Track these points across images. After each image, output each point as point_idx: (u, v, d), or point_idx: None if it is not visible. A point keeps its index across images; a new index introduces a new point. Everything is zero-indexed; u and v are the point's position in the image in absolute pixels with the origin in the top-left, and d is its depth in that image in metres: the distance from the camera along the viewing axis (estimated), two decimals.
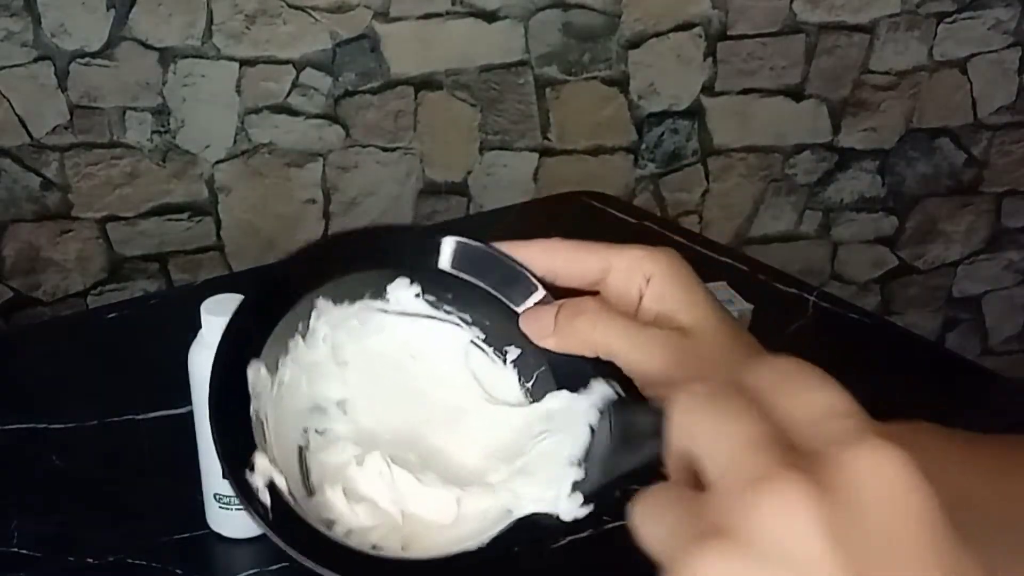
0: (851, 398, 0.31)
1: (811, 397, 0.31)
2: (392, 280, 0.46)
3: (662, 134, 1.94)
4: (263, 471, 0.39)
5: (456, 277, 0.46)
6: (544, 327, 0.44)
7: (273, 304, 0.44)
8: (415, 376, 0.47)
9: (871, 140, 2.02)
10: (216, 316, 0.75)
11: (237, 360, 0.42)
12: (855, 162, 2.03)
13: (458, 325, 0.47)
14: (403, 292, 0.47)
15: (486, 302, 0.46)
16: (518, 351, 0.46)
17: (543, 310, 0.45)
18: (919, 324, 2.16)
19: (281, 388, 0.44)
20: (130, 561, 0.80)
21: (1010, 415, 0.95)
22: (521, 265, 0.46)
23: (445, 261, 0.46)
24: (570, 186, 1.59)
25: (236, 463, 0.39)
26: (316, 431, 0.45)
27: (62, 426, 0.94)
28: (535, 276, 0.46)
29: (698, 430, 0.31)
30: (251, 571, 0.80)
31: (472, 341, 0.47)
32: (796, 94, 1.96)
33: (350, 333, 0.46)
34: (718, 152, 1.98)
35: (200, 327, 0.76)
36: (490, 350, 0.47)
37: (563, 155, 1.92)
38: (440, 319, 0.47)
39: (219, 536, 0.82)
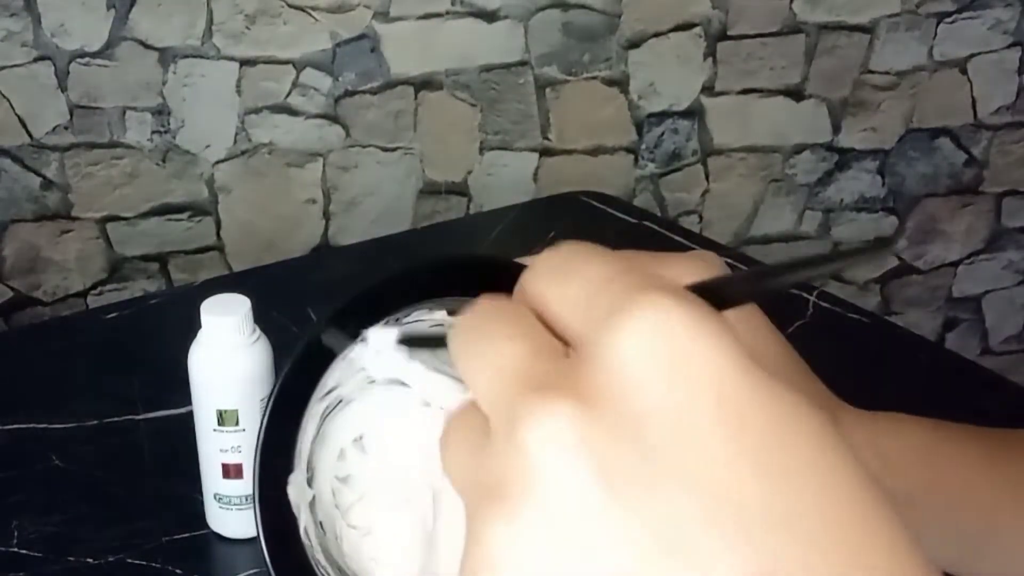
0: (628, 258, 0.26)
1: (583, 275, 0.25)
2: (410, 313, 0.42)
3: (662, 134, 1.94)
4: None
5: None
6: None
7: (299, 397, 0.40)
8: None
9: (871, 140, 2.02)
10: (216, 316, 0.75)
11: (277, 480, 0.38)
12: (855, 162, 2.03)
13: None
14: (420, 314, 0.42)
15: None
16: None
17: None
18: (919, 324, 2.16)
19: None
20: (130, 561, 0.80)
21: (1010, 415, 0.95)
22: None
23: (473, 286, 0.41)
24: (570, 186, 1.58)
25: None
26: (337, 478, 0.41)
27: (62, 426, 0.94)
28: None
29: (463, 364, 0.26)
30: (251, 571, 0.80)
31: None
32: (796, 94, 1.96)
33: (355, 361, 0.41)
34: (718, 152, 1.98)
35: (200, 327, 0.76)
36: None
37: (563, 155, 1.92)
38: None
39: (219, 536, 0.82)
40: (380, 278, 0.40)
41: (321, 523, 0.39)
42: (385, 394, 0.42)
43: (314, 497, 0.40)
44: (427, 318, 0.41)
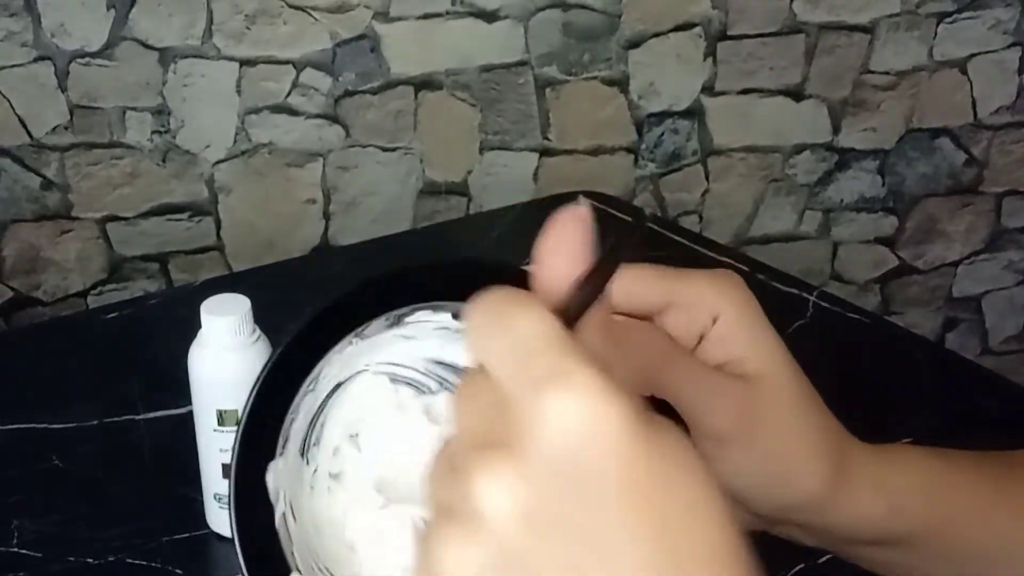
0: (555, 324, 0.29)
1: (516, 333, 0.30)
2: (412, 313, 0.40)
3: (662, 134, 1.94)
4: None
5: None
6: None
7: (287, 388, 0.39)
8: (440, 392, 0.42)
9: (871, 140, 2.02)
10: (216, 316, 0.75)
11: (255, 466, 0.38)
12: (855, 162, 2.03)
13: None
14: (424, 315, 0.41)
15: None
16: None
17: None
18: (919, 324, 2.16)
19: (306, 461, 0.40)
20: (130, 561, 0.80)
21: (1010, 415, 0.95)
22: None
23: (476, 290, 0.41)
24: (570, 186, 1.58)
25: None
26: (330, 474, 0.41)
27: (62, 426, 0.94)
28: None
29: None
30: None
31: None
32: (796, 94, 1.96)
33: (357, 357, 0.40)
34: (718, 152, 1.98)
35: (200, 327, 0.76)
36: None
37: (563, 155, 1.92)
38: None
39: (219, 536, 0.82)
40: (376, 275, 0.39)
41: (295, 510, 0.39)
42: (384, 392, 0.42)
43: (296, 490, 0.39)
44: (431, 319, 0.41)
